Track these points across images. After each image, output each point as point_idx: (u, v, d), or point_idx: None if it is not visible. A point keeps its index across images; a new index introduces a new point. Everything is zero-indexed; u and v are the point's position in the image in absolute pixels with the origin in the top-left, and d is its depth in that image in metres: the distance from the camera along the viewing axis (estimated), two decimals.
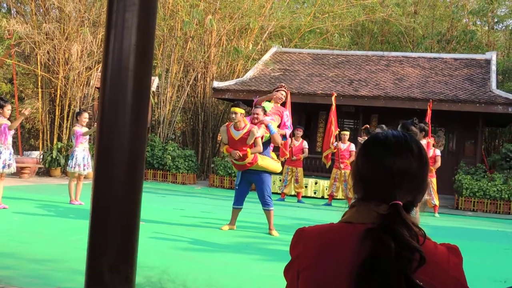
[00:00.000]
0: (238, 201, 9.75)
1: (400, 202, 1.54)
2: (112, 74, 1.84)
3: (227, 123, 10.02)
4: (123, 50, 1.81)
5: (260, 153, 9.50)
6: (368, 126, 14.69)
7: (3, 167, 10.47)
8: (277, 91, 10.57)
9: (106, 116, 1.83)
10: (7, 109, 10.58)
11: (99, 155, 1.85)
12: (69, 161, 12.07)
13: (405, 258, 1.46)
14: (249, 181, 9.84)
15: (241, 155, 9.35)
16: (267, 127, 9.67)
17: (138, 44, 1.83)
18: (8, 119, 10.75)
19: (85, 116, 12.21)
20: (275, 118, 10.20)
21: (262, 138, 9.56)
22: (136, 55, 1.84)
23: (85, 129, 12.15)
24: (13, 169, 10.76)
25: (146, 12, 1.85)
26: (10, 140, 10.64)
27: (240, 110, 9.44)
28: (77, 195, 11.89)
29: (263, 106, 10.04)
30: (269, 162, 9.69)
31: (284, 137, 10.59)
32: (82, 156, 11.94)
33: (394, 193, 1.56)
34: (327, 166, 15.86)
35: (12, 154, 10.76)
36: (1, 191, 10.53)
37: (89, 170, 12.07)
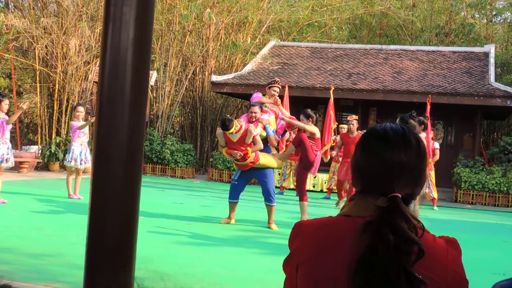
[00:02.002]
0: (234, 196, 9.72)
1: (399, 195, 1.54)
2: (110, 68, 1.84)
3: None
4: (121, 45, 1.81)
5: (260, 150, 9.49)
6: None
7: (1, 162, 10.47)
8: (269, 87, 10.49)
9: (104, 111, 1.83)
10: (5, 104, 10.57)
11: (97, 150, 1.85)
12: (66, 155, 12.09)
13: (404, 251, 1.46)
14: (249, 178, 9.83)
15: (242, 155, 9.34)
16: (264, 127, 9.64)
17: (136, 38, 1.83)
18: (6, 113, 10.74)
19: (79, 110, 12.17)
20: (271, 114, 10.17)
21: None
22: (134, 49, 1.84)
23: (82, 123, 12.13)
24: (11, 163, 10.76)
25: (144, 6, 1.84)
26: (7, 134, 10.64)
27: (233, 129, 9.34)
28: (76, 189, 11.89)
29: (260, 104, 9.99)
30: (270, 158, 9.68)
31: (284, 131, 10.58)
32: (79, 151, 11.92)
33: (393, 186, 1.56)
34: (326, 161, 15.86)
35: (10, 149, 10.76)
36: (0, 186, 10.53)
37: (87, 165, 12.02)
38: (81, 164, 11.91)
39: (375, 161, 1.61)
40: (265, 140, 9.70)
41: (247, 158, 9.36)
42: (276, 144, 10.06)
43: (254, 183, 10.86)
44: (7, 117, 10.60)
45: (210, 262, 6.86)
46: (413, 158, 1.61)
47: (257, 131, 9.40)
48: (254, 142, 9.37)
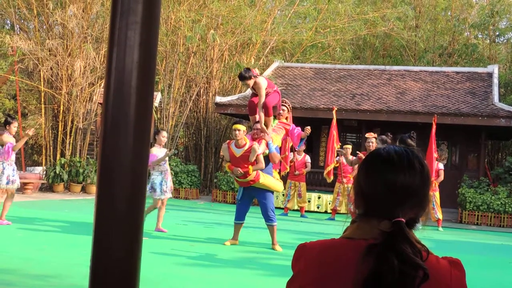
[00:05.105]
0: (240, 216, 9.72)
1: (403, 220, 1.54)
2: (115, 91, 1.86)
3: (228, 141, 10.02)
4: (125, 68, 1.82)
5: (262, 170, 9.49)
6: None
7: (7, 183, 10.50)
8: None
9: (108, 133, 1.85)
10: (14, 126, 10.68)
11: (101, 172, 1.86)
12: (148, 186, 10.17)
13: (409, 275, 1.45)
14: (251, 196, 9.82)
15: (243, 172, 9.34)
16: (267, 144, 9.67)
17: (140, 61, 1.85)
18: (13, 136, 10.82)
19: (164, 135, 11.05)
20: (279, 132, 10.23)
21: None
22: (138, 72, 1.85)
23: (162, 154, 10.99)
24: (16, 185, 10.79)
25: (148, 30, 1.87)
26: (13, 157, 10.70)
27: (242, 127, 9.47)
28: (159, 222, 10.91)
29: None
30: (271, 181, 9.66)
31: (301, 140, 10.62)
32: (160, 181, 10.80)
33: (397, 210, 1.56)
34: (329, 181, 15.87)
35: (16, 170, 10.80)
36: (7, 207, 10.55)
37: (168, 195, 11.04)
38: (162, 194, 10.82)
39: (379, 184, 1.60)
40: (267, 158, 9.72)
41: (248, 176, 9.37)
42: (277, 161, 10.07)
43: (257, 204, 10.83)
44: (14, 142, 10.66)
45: (214, 284, 6.84)
46: (417, 182, 1.60)
47: (260, 150, 9.43)
48: (256, 161, 9.39)
